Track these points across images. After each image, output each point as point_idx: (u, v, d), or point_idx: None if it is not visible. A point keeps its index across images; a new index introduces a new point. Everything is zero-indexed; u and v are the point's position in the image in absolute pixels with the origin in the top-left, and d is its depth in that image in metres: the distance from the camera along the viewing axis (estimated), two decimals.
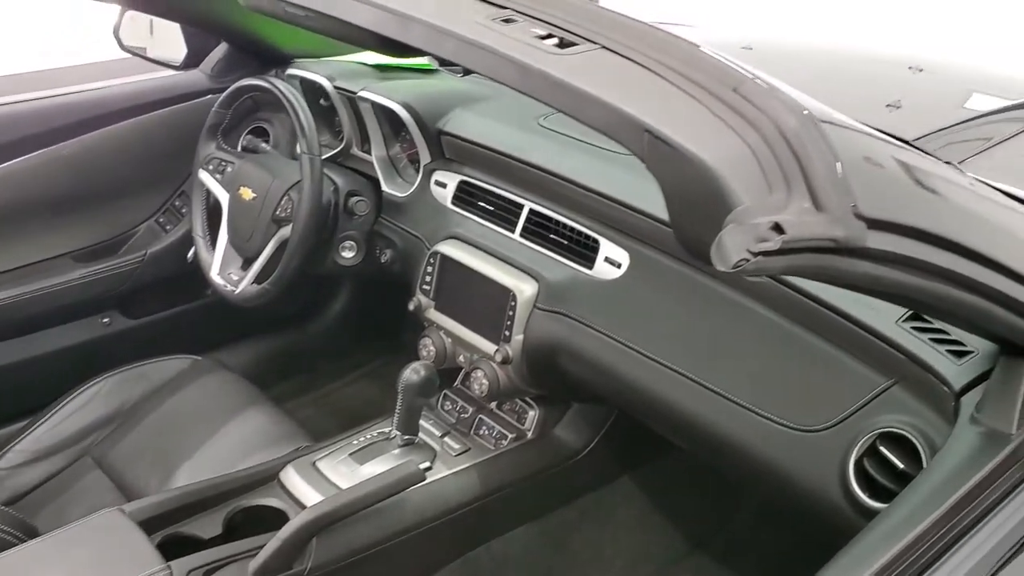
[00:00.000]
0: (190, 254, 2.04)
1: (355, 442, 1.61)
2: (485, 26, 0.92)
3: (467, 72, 1.95)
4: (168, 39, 2.06)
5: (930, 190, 0.88)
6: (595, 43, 0.87)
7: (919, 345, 1.14)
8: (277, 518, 1.47)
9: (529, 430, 1.71)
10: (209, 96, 2.01)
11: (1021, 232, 1.01)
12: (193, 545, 1.40)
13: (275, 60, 2.03)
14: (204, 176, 1.88)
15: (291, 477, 1.54)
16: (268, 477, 1.55)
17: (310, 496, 1.49)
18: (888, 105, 1.90)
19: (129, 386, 1.91)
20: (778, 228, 0.70)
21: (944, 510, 0.87)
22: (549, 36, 0.90)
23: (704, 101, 0.78)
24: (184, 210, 2.08)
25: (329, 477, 1.54)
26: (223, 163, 1.86)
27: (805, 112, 0.77)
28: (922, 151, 1.54)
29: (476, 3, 0.96)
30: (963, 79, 2.15)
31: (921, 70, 2.20)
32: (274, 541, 1.34)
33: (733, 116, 0.77)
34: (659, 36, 0.86)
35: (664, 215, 1.39)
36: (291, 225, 1.71)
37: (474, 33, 0.92)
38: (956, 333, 1.13)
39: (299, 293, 2.37)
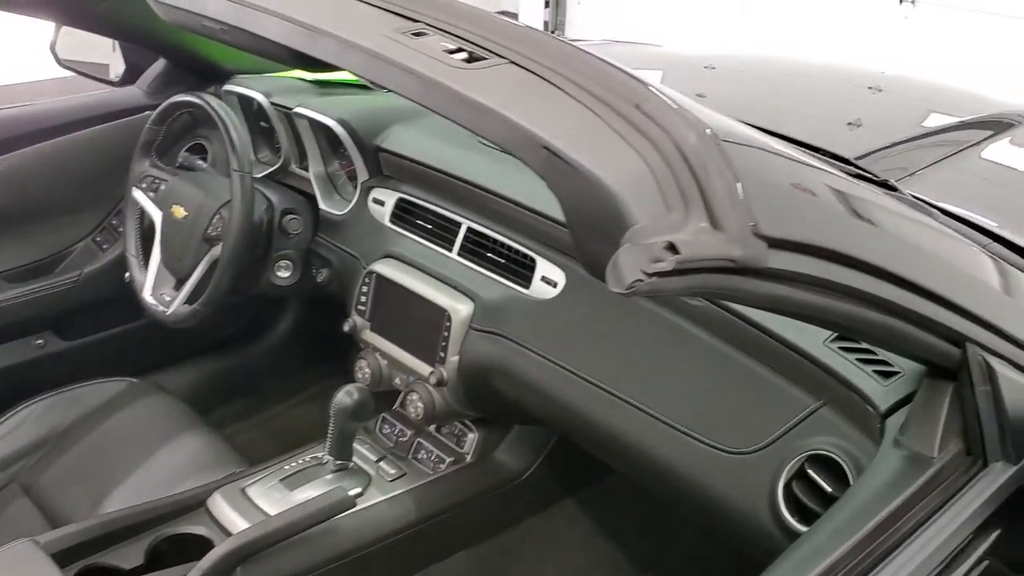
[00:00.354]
0: (127, 274, 1.99)
1: (287, 467, 1.57)
2: (393, 39, 0.90)
3: None
4: (105, 55, 2.02)
5: (843, 210, 0.86)
6: (503, 58, 0.85)
7: (845, 366, 1.12)
8: (202, 547, 1.42)
9: (468, 453, 1.67)
10: (146, 113, 1.97)
11: (944, 252, 1.00)
12: None
13: (214, 76, 1.99)
14: (137, 194, 1.83)
15: (218, 504, 1.49)
16: (195, 504, 1.50)
17: (237, 524, 1.45)
18: (849, 123, 1.91)
19: (61, 409, 1.86)
20: (673, 248, 0.68)
21: (863, 535, 0.85)
22: (459, 50, 0.87)
23: (605, 118, 0.76)
24: (121, 229, 2.03)
25: (258, 504, 1.50)
26: (157, 181, 1.82)
27: (707, 131, 0.74)
28: (857, 168, 1.54)
29: (389, 16, 0.94)
30: (921, 98, 2.18)
31: (881, 90, 2.24)
32: (195, 571, 1.30)
33: (633, 133, 0.74)
34: (568, 51, 0.84)
35: None
36: (220, 245, 1.67)
37: (380, 46, 0.89)
38: (883, 353, 1.11)
39: (242, 313, 2.33)
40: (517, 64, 0.83)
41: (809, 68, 2.56)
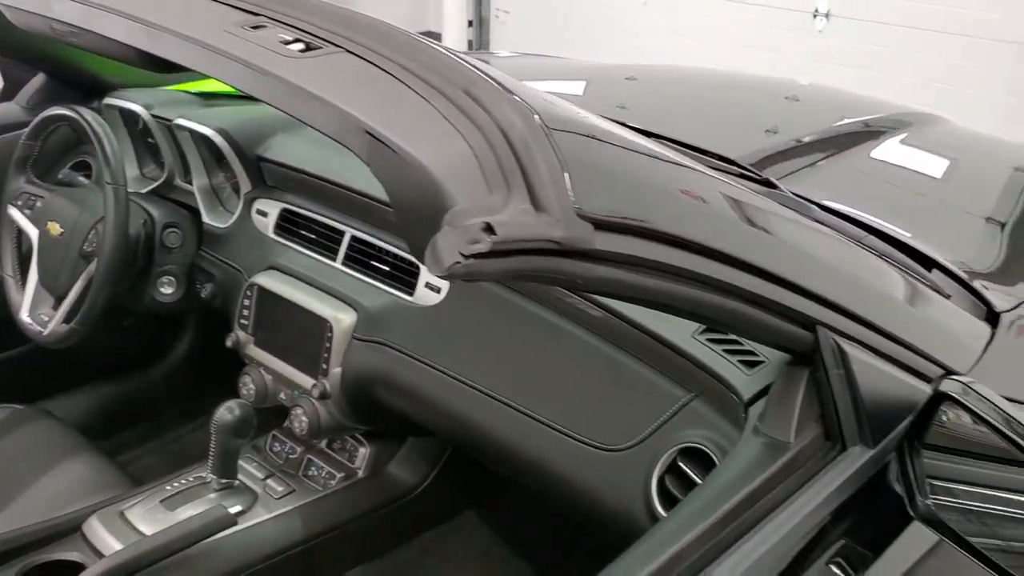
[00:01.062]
0: None
1: (168, 488, 1.52)
2: (232, 33, 0.88)
3: None
4: None
5: (681, 197, 0.85)
6: (339, 47, 0.83)
7: (713, 357, 1.12)
8: (75, 574, 1.36)
9: (360, 468, 1.64)
10: (25, 129, 1.90)
11: (796, 241, 1.00)
12: None
13: (96, 90, 1.93)
14: (13, 212, 1.77)
15: (94, 528, 1.44)
16: (70, 529, 1.44)
17: (113, 547, 1.39)
18: (767, 131, 1.95)
19: None
20: (490, 229, 0.66)
21: (714, 519, 0.84)
22: (295, 41, 0.86)
23: (433, 102, 0.75)
24: None
25: (137, 526, 1.44)
26: (33, 198, 1.76)
27: (536, 116, 0.73)
28: (740, 168, 1.55)
29: (230, 11, 0.92)
30: (834, 106, 2.24)
31: (798, 99, 2.30)
32: None
33: (459, 117, 0.73)
34: (404, 39, 0.83)
35: None
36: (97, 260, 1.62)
37: (218, 40, 0.88)
38: (749, 344, 1.11)
39: (137, 336, 2.26)
40: (351, 52, 0.82)
41: (730, 80, 2.63)
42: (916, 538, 0.92)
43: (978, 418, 0.83)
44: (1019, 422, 0.84)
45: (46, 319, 1.69)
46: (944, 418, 0.87)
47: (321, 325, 1.49)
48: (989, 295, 1.31)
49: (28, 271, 1.74)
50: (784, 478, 0.91)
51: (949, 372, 1.00)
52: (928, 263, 1.38)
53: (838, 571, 0.89)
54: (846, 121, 2.10)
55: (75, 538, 1.43)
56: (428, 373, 1.40)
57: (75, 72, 1.94)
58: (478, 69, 0.78)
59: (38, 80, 1.98)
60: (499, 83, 0.77)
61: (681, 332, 1.15)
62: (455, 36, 6.52)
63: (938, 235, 1.51)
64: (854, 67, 5.21)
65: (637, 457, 1.17)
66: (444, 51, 0.81)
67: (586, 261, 0.72)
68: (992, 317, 1.26)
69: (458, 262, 0.65)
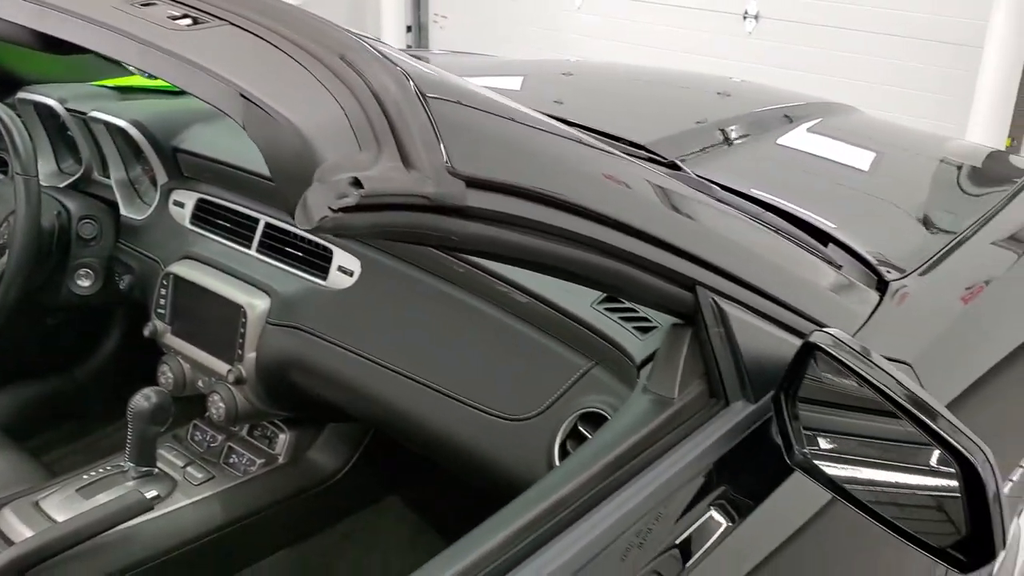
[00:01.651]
0: None
1: (85, 477, 1.52)
2: (120, 9, 0.90)
3: None
4: None
5: (558, 161, 0.88)
6: (223, 20, 0.85)
7: (610, 324, 1.16)
8: None
9: (280, 455, 1.65)
10: None
11: (678, 207, 1.04)
12: None
13: (8, 85, 1.92)
14: None
15: (6, 519, 1.43)
16: None
17: (26, 536, 1.39)
18: (697, 122, 2.00)
19: None
20: (358, 183, 0.69)
21: (598, 468, 0.88)
22: (183, 16, 0.88)
23: (307, 66, 0.77)
24: None
25: (52, 515, 1.44)
26: None
27: (409, 82, 0.76)
28: (647, 152, 1.60)
29: None
30: (761, 102, 2.31)
31: (728, 95, 2.37)
32: None
33: (333, 80, 0.76)
34: (285, 11, 0.85)
35: None
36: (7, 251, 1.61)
37: (105, 16, 0.89)
38: (643, 311, 1.15)
39: (62, 336, 2.24)
40: (234, 24, 0.84)
41: (664, 76, 2.69)
42: (794, 486, 0.96)
43: (844, 367, 0.87)
44: (884, 371, 0.88)
45: None
46: (816, 370, 0.92)
47: (235, 311, 1.50)
48: (880, 267, 1.37)
49: None
50: (667, 432, 0.95)
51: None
52: (824, 238, 1.44)
53: (720, 517, 0.93)
54: (762, 110, 2.17)
55: None
56: (341, 355, 1.42)
57: None
58: (357, 37, 0.81)
59: None
60: (376, 50, 0.79)
61: (582, 303, 1.19)
62: (393, 41, 6.54)
63: (836, 212, 1.57)
64: (785, 68, 5.34)
65: (541, 425, 1.20)
66: (325, 22, 0.84)
67: (458, 217, 0.75)
68: (882, 286, 1.32)
69: (326, 216, 0.67)
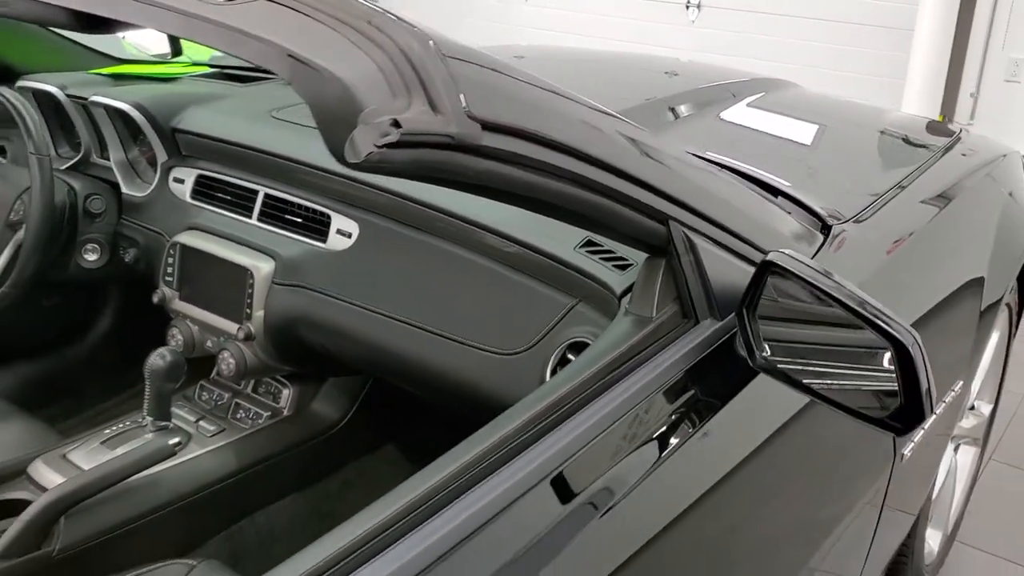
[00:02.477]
0: None
1: (107, 432, 1.64)
2: None
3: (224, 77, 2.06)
4: None
5: (555, 109, 1.04)
6: None
7: (592, 264, 1.32)
8: (24, 509, 1.47)
9: (285, 407, 1.78)
10: None
11: (650, 151, 1.20)
12: None
13: (5, 78, 2.02)
14: None
15: (39, 469, 1.55)
16: (16, 472, 1.55)
17: (58, 483, 1.50)
18: (647, 99, 2.16)
19: None
20: (397, 124, 0.84)
21: (584, 378, 1.02)
22: None
23: (341, 31, 0.92)
24: None
25: (80, 465, 1.56)
26: None
27: (430, 42, 0.91)
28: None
29: None
30: (707, 79, 2.47)
31: (676, 74, 2.53)
32: (17, 523, 1.35)
33: (365, 41, 0.90)
34: None
35: (388, 185, 1.53)
36: (25, 226, 1.72)
37: None
38: (621, 251, 1.31)
39: (58, 315, 2.33)
40: (270, 0, 0.98)
41: (613, 57, 2.84)
42: (756, 386, 1.13)
43: (797, 277, 1.04)
44: (828, 277, 1.05)
45: None
46: (772, 284, 1.08)
47: (242, 274, 1.64)
48: (822, 213, 1.54)
49: None
50: (647, 346, 1.10)
51: None
52: (773, 192, 1.61)
53: (692, 415, 1.09)
54: (707, 86, 2.35)
55: (21, 480, 1.54)
56: (344, 308, 1.56)
57: None
58: (379, 7, 0.96)
59: None
60: (399, 17, 0.94)
61: (565, 248, 1.35)
62: None
63: (782, 172, 1.75)
64: (728, 55, 5.56)
65: (532, 356, 1.35)
66: None
67: (474, 155, 0.90)
68: (825, 230, 1.50)
69: (372, 151, 0.82)
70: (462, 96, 0.89)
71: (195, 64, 2.26)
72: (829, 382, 1.05)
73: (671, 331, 1.14)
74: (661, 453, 1.03)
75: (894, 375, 0.96)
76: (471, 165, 0.90)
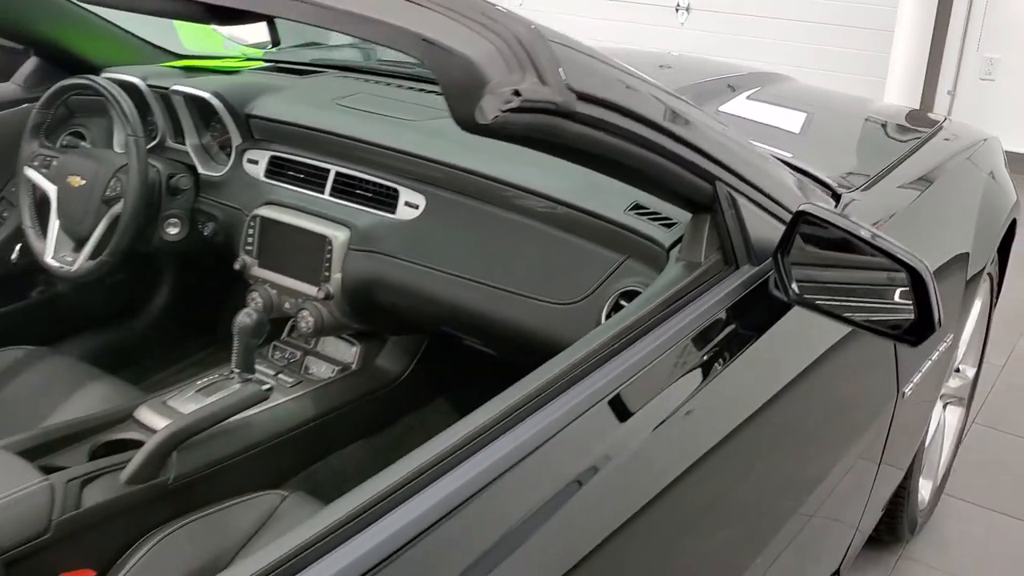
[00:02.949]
0: (14, 256, 2.19)
1: (199, 382, 1.84)
2: None
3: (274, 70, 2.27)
4: None
5: (629, 85, 1.25)
6: None
7: (641, 223, 1.54)
8: (134, 447, 1.67)
9: (352, 363, 1.99)
10: (25, 106, 2.17)
11: (708, 127, 1.42)
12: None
13: (85, 71, 2.21)
14: (30, 173, 2.04)
15: (145, 413, 1.74)
16: (124, 416, 1.74)
17: (163, 425, 1.70)
18: None
19: None
20: (517, 93, 1.05)
21: (640, 315, 1.21)
22: None
23: (462, 21, 1.13)
24: (5, 214, 2.22)
25: (179, 410, 1.76)
26: (48, 159, 2.04)
27: (532, 26, 1.13)
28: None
29: None
30: (700, 71, 2.68)
31: (670, 67, 2.74)
32: (141, 453, 1.55)
33: (483, 29, 1.12)
34: None
35: (449, 160, 1.74)
36: (121, 202, 1.92)
37: None
38: (666, 212, 1.53)
39: (117, 293, 2.52)
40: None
41: (610, 52, 3.04)
42: (786, 321, 1.35)
43: (826, 223, 1.26)
44: (852, 221, 1.27)
45: (70, 259, 1.98)
46: (804, 231, 1.30)
47: (321, 241, 1.84)
48: (832, 183, 1.77)
49: (48, 221, 2.02)
50: (695, 287, 1.31)
51: None
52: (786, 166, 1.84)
53: (733, 345, 1.30)
54: (704, 80, 2.56)
55: (129, 423, 1.74)
56: (415, 270, 1.77)
57: (64, 53, 2.22)
58: (489, 3, 1.17)
59: (31, 63, 2.25)
60: (506, 9, 1.16)
61: (617, 211, 1.56)
62: None
63: (789, 151, 1.97)
64: (716, 56, 5.80)
65: (588, 305, 1.57)
66: None
67: (571, 121, 1.12)
68: (835, 197, 1.73)
69: (497, 115, 1.04)
70: (561, 71, 1.10)
71: (248, 59, 2.46)
72: (854, 306, 1.27)
73: (715, 275, 1.36)
74: (705, 378, 1.21)
75: (907, 300, 1.18)
76: (569, 129, 1.12)
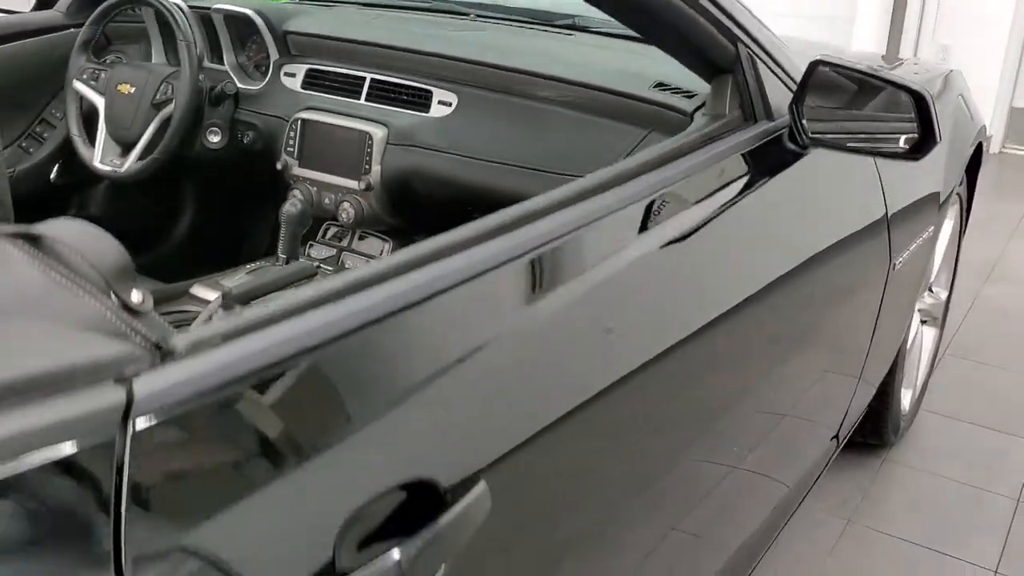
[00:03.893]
0: (53, 174, 2.31)
1: (248, 267, 1.97)
2: None
3: None
4: None
5: None
6: None
7: (665, 96, 1.72)
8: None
9: (386, 255, 2.13)
10: (70, 30, 2.30)
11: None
12: None
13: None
14: (79, 85, 2.17)
15: (200, 290, 1.88)
16: (180, 293, 1.87)
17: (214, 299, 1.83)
18: None
19: None
20: None
21: (672, 149, 1.39)
22: None
23: None
24: (45, 135, 2.34)
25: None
26: (96, 71, 2.17)
27: None
28: None
29: None
30: None
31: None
32: (199, 320, 1.68)
33: None
34: None
35: (478, 58, 1.90)
36: (171, 105, 2.05)
37: None
38: (687, 86, 1.71)
39: (142, 218, 2.63)
40: None
41: None
42: (804, 161, 1.53)
43: (841, 67, 1.45)
44: (866, 64, 1.45)
45: (118, 162, 2.11)
46: (817, 79, 1.48)
47: (360, 137, 1.99)
48: None
49: (95, 129, 2.15)
50: (719, 134, 1.49)
51: None
52: None
53: (748, 184, 1.47)
54: None
55: (185, 299, 1.87)
56: (451, 159, 1.93)
57: None
58: None
59: None
60: None
61: (641, 87, 1.74)
62: None
63: None
64: None
65: None
66: None
67: None
68: None
69: None
70: None
71: None
72: (863, 137, 1.46)
73: (737, 127, 1.53)
74: (722, 204, 1.36)
75: (913, 118, 1.37)
76: None
